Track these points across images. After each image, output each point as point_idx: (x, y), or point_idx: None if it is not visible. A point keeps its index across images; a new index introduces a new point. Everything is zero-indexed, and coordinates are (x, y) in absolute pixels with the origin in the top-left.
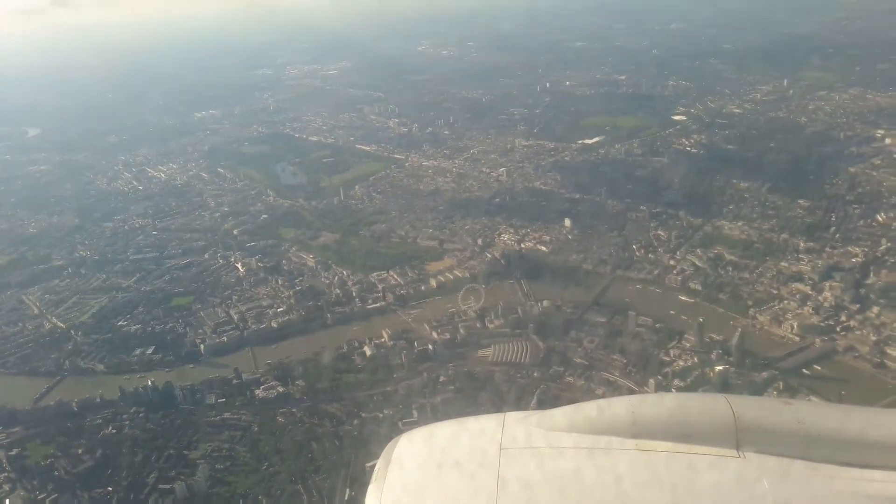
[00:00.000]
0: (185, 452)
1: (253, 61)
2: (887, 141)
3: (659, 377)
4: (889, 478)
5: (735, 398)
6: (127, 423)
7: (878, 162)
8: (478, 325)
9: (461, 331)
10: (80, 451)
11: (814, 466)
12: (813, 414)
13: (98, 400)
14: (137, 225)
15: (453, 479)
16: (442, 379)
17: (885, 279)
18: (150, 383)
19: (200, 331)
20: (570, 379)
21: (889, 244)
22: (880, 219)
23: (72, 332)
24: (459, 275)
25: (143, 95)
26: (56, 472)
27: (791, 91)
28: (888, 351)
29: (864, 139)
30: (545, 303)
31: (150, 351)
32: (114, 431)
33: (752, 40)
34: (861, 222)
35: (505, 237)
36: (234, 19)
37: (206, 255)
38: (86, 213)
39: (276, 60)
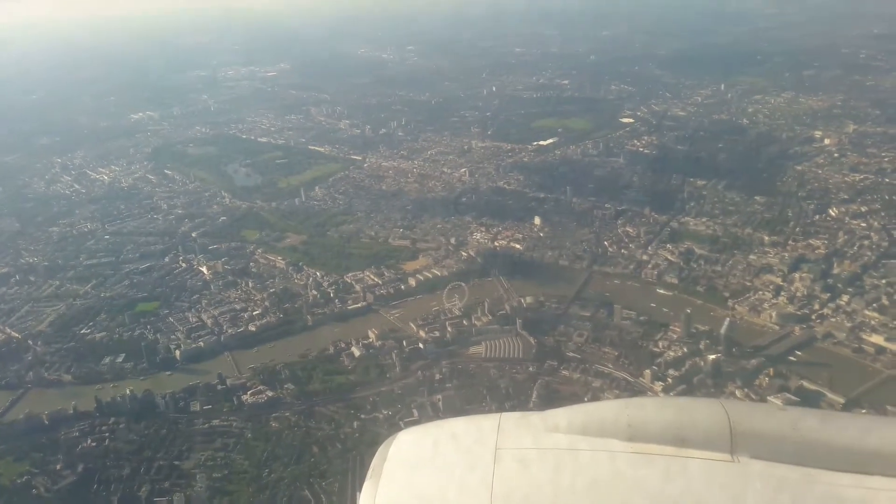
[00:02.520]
0: (177, 463)
1: (185, 62)
2: (826, 141)
3: (654, 367)
4: (884, 484)
5: (731, 403)
6: (107, 434)
7: (821, 161)
8: (465, 323)
9: (449, 328)
10: (58, 466)
11: (808, 472)
12: (808, 420)
13: (71, 412)
14: (86, 229)
15: (448, 479)
16: (438, 377)
17: (849, 269)
18: (128, 392)
19: (173, 336)
20: (565, 372)
21: (846, 237)
22: (833, 213)
23: (29, 341)
24: (438, 273)
25: (72, 96)
26: (34, 491)
27: (729, 95)
28: (864, 336)
29: (805, 139)
30: (528, 299)
31: (120, 359)
32: (94, 444)
33: (683, 47)
34: (817, 217)
35: (477, 236)
36: (164, 20)
37: (167, 259)
38: (26, 218)
39: (209, 62)
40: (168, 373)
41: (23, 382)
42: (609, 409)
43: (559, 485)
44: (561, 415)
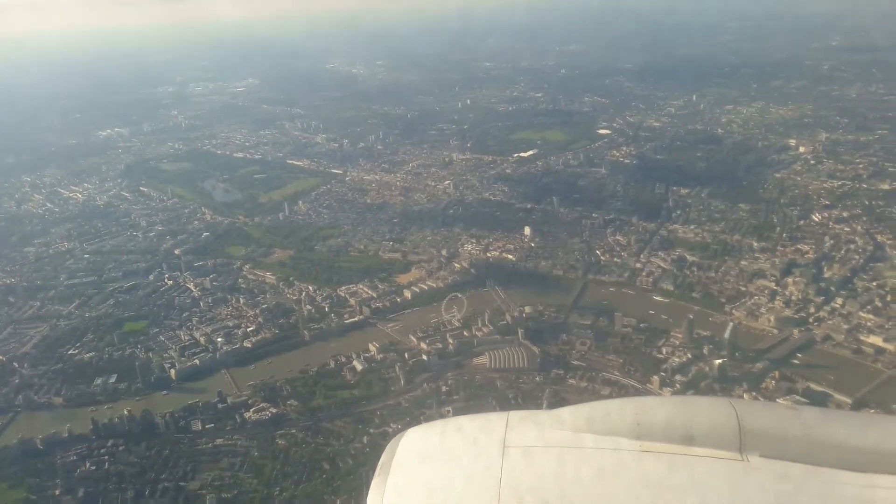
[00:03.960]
0: (183, 484)
1: (151, 78)
2: (801, 149)
3: (662, 373)
4: (892, 483)
5: (739, 402)
6: (106, 457)
7: (799, 168)
8: (466, 334)
9: (451, 340)
10: (57, 492)
11: (817, 471)
12: (817, 419)
13: (66, 435)
14: (64, 248)
15: (456, 476)
16: (444, 389)
17: (839, 273)
18: (125, 413)
19: (166, 355)
20: (572, 381)
21: (832, 241)
22: (816, 218)
23: (15, 364)
24: (433, 285)
25: (36, 113)
26: None
27: (701, 105)
28: (862, 338)
29: (780, 148)
30: (528, 308)
31: (112, 380)
32: (93, 468)
33: (651, 60)
34: (801, 222)
35: (468, 247)
36: (125, 36)
37: (151, 277)
38: None
39: (175, 77)
40: (164, 392)
41: (12, 406)
42: (617, 407)
43: (567, 481)
44: (569, 413)
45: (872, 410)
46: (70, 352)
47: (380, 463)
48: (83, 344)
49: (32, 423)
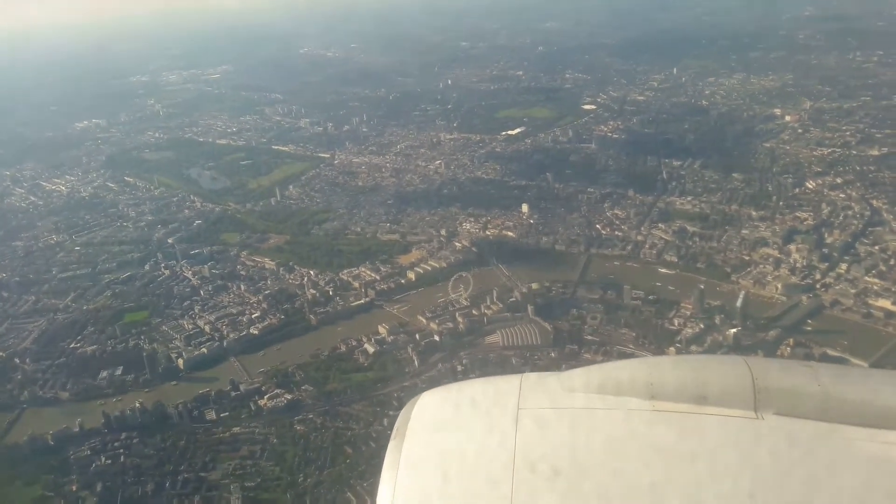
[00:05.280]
0: (203, 474)
1: (122, 69)
2: (787, 118)
3: (678, 344)
4: None
5: (753, 360)
6: (121, 450)
7: (787, 137)
8: (475, 313)
9: (460, 319)
10: (74, 487)
11: (833, 428)
12: (833, 376)
13: (77, 430)
14: (53, 241)
15: (471, 436)
16: (460, 368)
17: (840, 238)
18: (137, 405)
19: (171, 345)
20: (587, 355)
21: (829, 208)
22: (811, 186)
23: (16, 360)
24: (436, 265)
25: (7, 107)
26: None
27: (683, 79)
28: (870, 302)
29: (766, 118)
30: (534, 285)
31: (118, 372)
32: (109, 462)
33: (628, 35)
34: (797, 190)
35: (467, 226)
36: (92, 28)
37: (147, 267)
38: None
39: (147, 67)
40: (173, 383)
41: (17, 402)
42: (629, 368)
43: (580, 441)
44: (581, 374)
45: None
46: (72, 345)
47: (395, 427)
48: (84, 337)
49: (40, 419)
